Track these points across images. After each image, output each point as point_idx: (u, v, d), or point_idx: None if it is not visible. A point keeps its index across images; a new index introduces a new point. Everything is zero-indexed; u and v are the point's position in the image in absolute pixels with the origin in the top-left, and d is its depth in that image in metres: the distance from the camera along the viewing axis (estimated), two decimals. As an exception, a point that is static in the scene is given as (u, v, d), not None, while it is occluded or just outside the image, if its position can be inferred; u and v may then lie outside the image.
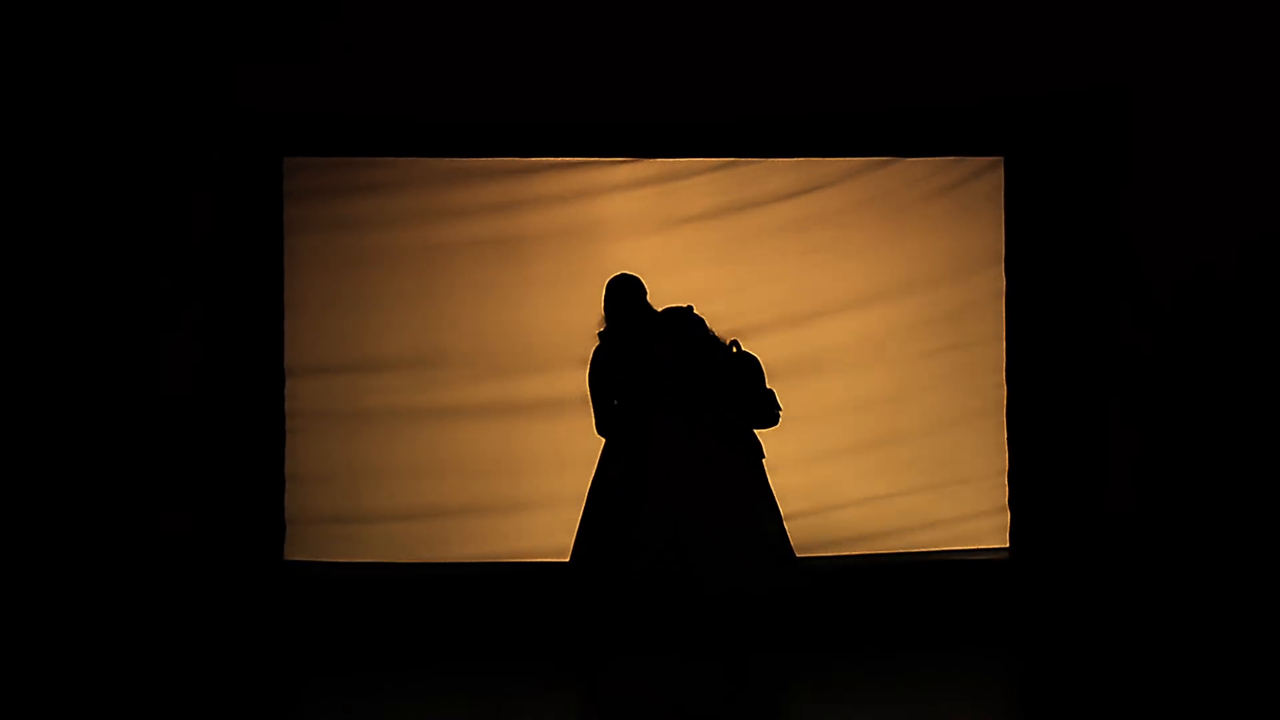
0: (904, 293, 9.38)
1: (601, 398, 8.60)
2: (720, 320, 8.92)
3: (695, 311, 8.50)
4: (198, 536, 8.67)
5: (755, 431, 8.51)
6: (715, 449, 8.40)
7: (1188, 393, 8.58)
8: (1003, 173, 9.19)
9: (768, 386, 8.51)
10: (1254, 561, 8.56)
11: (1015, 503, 9.16)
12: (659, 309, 8.59)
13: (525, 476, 9.17)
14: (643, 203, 9.30)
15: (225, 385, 8.74)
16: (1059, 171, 9.01)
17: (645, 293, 8.66)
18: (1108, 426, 8.88)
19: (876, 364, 9.41)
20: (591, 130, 9.00)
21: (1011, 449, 9.17)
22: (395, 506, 9.15)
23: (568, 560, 8.58)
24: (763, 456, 8.50)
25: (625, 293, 8.62)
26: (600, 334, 8.64)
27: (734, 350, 8.52)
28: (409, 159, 9.12)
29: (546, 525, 9.03)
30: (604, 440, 8.60)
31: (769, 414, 8.52)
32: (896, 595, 8.99)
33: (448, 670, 8.38)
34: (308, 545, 9.04)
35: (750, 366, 8.53)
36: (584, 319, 8.74)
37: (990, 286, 9.28)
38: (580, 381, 8.68)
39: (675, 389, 8.44)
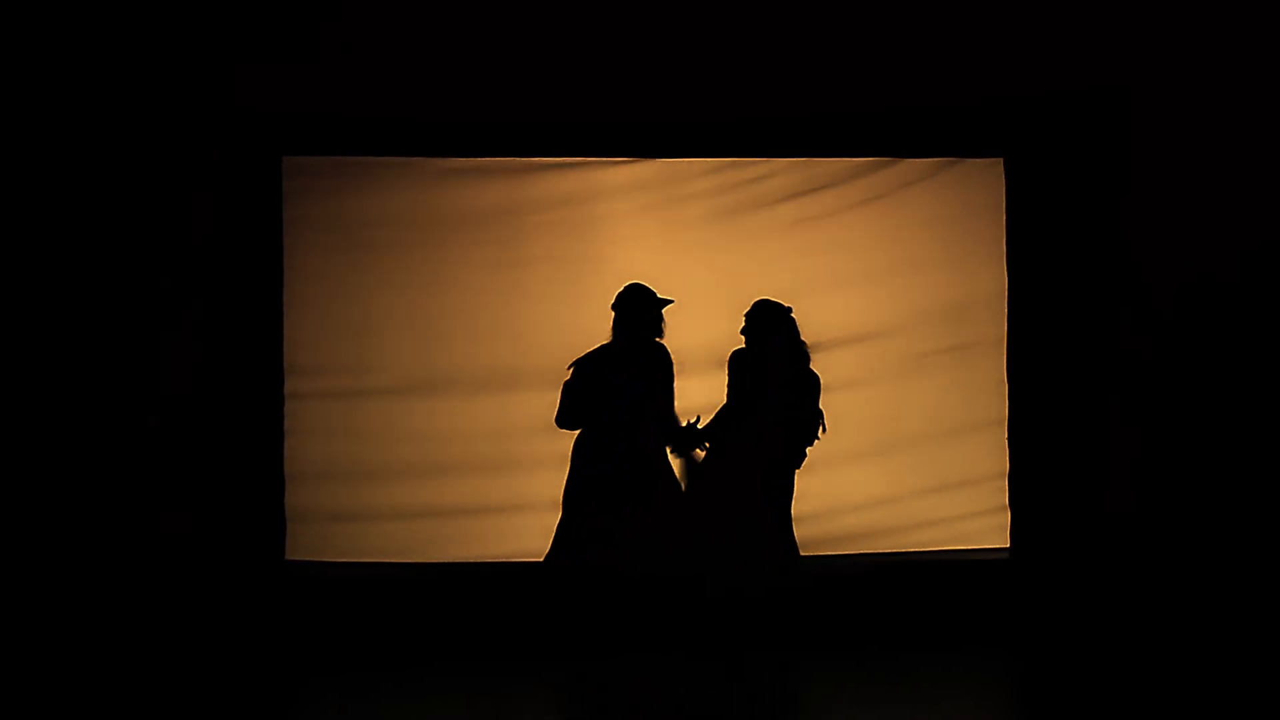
0: (904, 293, 9.37)
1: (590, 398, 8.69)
2: (720, 320, 8.94)
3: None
4: (198, 536, 8.68)
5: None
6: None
7: (1188, 395, 8.57)
8: (1003, 174, 9.19)
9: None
10: (1253, 561, 8.56)
11: (1016, 503, 9.15)
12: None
13: (525, 476, 9.16)
14: (643, 203, 9.30)
15: (225, 385, 8.74)
16: (1059, 172, 9.00)
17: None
18: (1108, 427, 8.88)
19: (877, 365, 9.40)
20: (591, 130, 9.00)
21: (1012, 449, 9.16)
22: (395, 506, 9.15)
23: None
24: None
25: (649, 304, 8.74)
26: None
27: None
28: (409, 159, 9.13)
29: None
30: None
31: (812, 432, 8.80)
32: (897, 595, 8.98)
33: (446, 670, 8.38)
34: (307, 545, 9.03)
35: (812, 383, 8.77)
36: (584, 318, 8.76)
37: (990, 287, 9.27)
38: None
39: (776, 391, 8.62)
